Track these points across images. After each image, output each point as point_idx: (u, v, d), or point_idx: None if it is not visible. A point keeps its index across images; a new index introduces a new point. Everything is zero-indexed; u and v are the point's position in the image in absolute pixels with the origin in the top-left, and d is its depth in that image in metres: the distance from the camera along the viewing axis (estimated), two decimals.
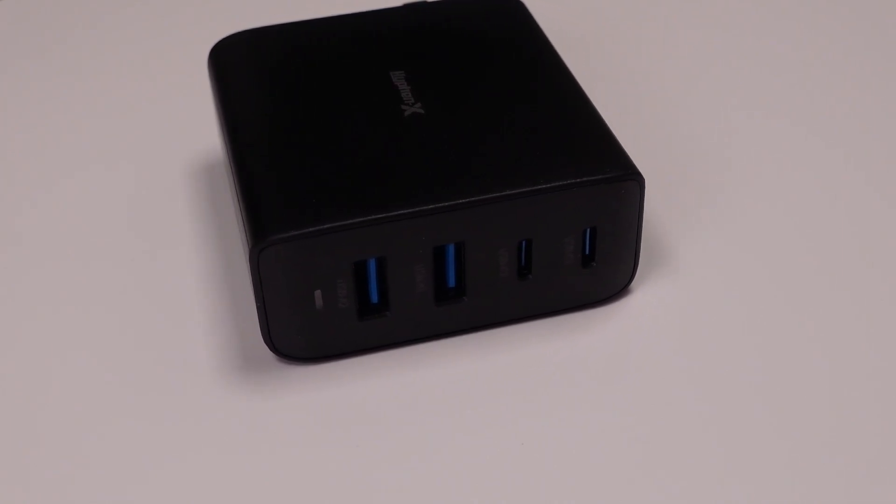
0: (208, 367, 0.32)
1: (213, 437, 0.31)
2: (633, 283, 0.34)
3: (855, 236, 0.36)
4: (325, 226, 0.30)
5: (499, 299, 0.32)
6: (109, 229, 0.37)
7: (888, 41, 0.45)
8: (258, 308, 0.31)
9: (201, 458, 0.30)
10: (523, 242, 0.32)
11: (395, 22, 0.38)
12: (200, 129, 0.41)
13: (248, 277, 0.35)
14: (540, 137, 0.32)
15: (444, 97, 0.34)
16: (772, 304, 0.34)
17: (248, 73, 0.36)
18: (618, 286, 0.34)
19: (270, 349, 0.32)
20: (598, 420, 0.31)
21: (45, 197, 0.39)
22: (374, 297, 0.32)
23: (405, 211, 0.30)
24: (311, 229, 0.30)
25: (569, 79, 0.35)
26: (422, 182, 0.31)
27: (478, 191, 0.31)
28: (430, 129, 0.33)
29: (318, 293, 0.31)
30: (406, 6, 0.40)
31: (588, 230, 0.32)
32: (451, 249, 0.31)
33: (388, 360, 0.32)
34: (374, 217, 0.30)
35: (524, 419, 0.31)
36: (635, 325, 0.33)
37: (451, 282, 0.32)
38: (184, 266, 0.36)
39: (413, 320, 0.32)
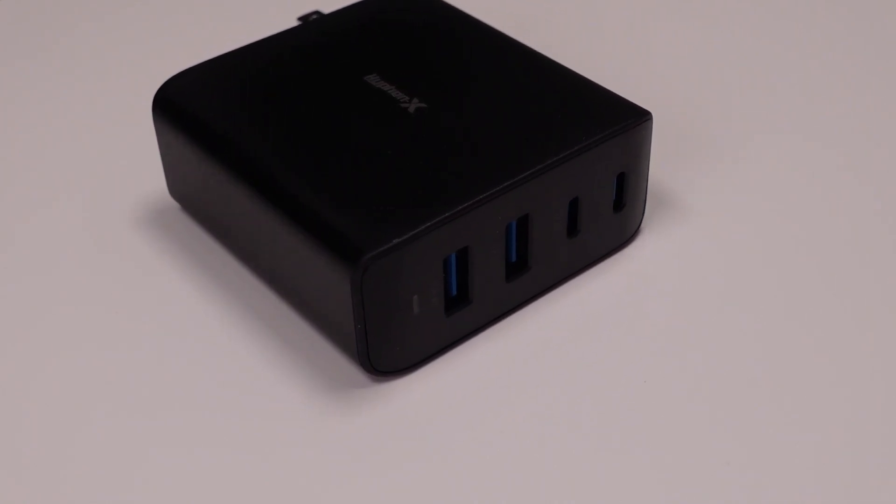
0: (301, 400, 0.31)
1: (335, 465, 0.30)
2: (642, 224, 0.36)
3: (856, 187, 0.38)
4: (419, 228, 0.30)
5: (554, 262, 0.34)
6: (86, 276, 0.35)
7: None
8: (357, 331, 0.30)
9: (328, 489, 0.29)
10: (569, 202, 0.33)
11: (330, 33, 0.37)
12: (139, 175, 0.39)
13: (276, 307, 0.34)
14: (550, 105, 0.34)
15: (434, 89, 0.34)
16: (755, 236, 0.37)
17: (221, 105, 0.34)
18: (633, 228, 0.36)
19: (368, 371, 0.31)
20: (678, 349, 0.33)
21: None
22: (454, 290, 0.32)
23: (483, 195, 0.31)
24: (406, 236, 0.29)
25: (531, 52, 0.36)
26: (478, 166, 0.31)
27: (535, 160, 0.32)
28: (444, 119, 0.33)
29: (415, 298, 0.30)
30: (314, 20, 0.39)
31: (616, 177, 0.34)
32: (514, 225, 0.32)
33: (469, 350, 0.33)
34: (459, 208, 0.30)
35: (624, 363, 0.32)
36: (657, 262, 0.35)
37: (513, 257, 0.33)
38: (200, 308, 0.34)
39: (489, 303, 0.33)
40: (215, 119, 0.34)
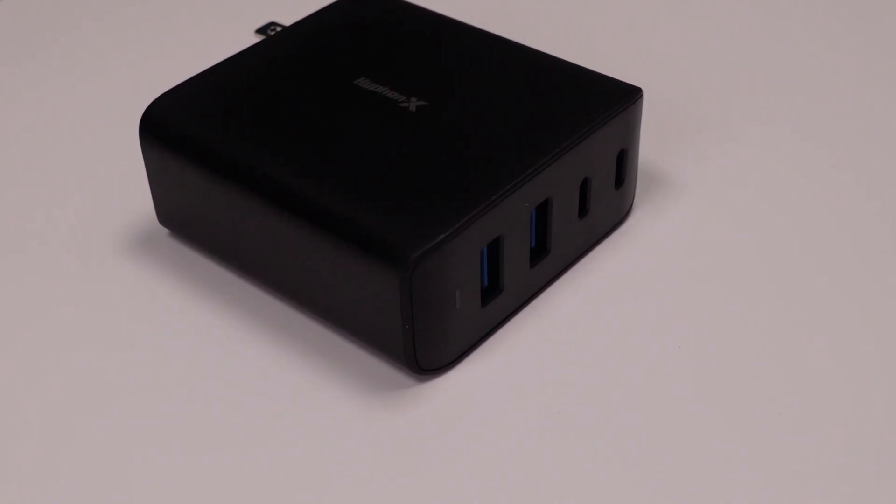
0: (346, 405, 0.31)
1: (391, 465, 0.30)
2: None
3: (843, 167, 0.38)
4: (460, 222, 0.30)
5: (569, 244, 0.34)
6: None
7: None
8: (405, 332, 0.30)
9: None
10: (580, 183, 0.34)
11: (304, 41, 0.37)
12: (127, 197, 0.38)
13: (296, 319, 0.33)
14: (546, 91, 0.34)
15: (428, 87, 0.34)
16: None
17: (216, 123, 0.34)
18: (629, 204, 0.37)
19: (414, 371, 0.31)
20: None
21: None
22: (486, 281, 0.32)
23: (512, 183, 0.31)
24: (449, 231, 0.30)
25: (509, 42, 0.37)
26: (498, 156, 0.32)
27: (551, 145, 0.32)
28: (448, 115, 0.33)
29: (458, 293, 0.31)
30: (283, 30, 0.39)
31: (617, 154, 0.35)
32: (534, 212, 0.33)
33: (500, 340, 0.33)
34: (493, 199, 0.30)
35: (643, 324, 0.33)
36: (656, 237, 0.36)
37: (534, 242, 0.33)
38: (216, 324, 0.34)
39: (516, 290, 0.33)
40: (214, 137, 0.33)
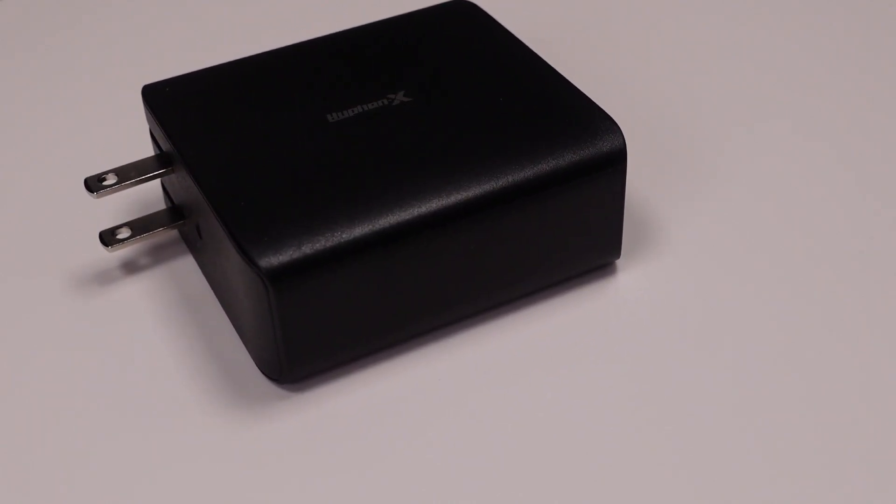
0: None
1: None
2: None
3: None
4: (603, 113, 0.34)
5: None
6: None
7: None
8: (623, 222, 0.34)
9: None
10: None
11: (217, 131, 0.34)
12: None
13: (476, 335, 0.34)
14: (466, 41, 0.37)
15: (387, 86, 0.35)
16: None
17: (324, 219, 0.31)
18: None
19: (618, 257, 0.35)
20: None
21: None
22: None
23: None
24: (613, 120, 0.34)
25: (372, 24, 0.38)
26: (536, 89, 0.35)
27: (548, 69, 0.36)
28: (437, 90, 0.35)
29: None
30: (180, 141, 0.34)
31: None
32: None
33: None
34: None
35: None
36: None
37: None
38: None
39: None
40: (339, 232, 0.31)
